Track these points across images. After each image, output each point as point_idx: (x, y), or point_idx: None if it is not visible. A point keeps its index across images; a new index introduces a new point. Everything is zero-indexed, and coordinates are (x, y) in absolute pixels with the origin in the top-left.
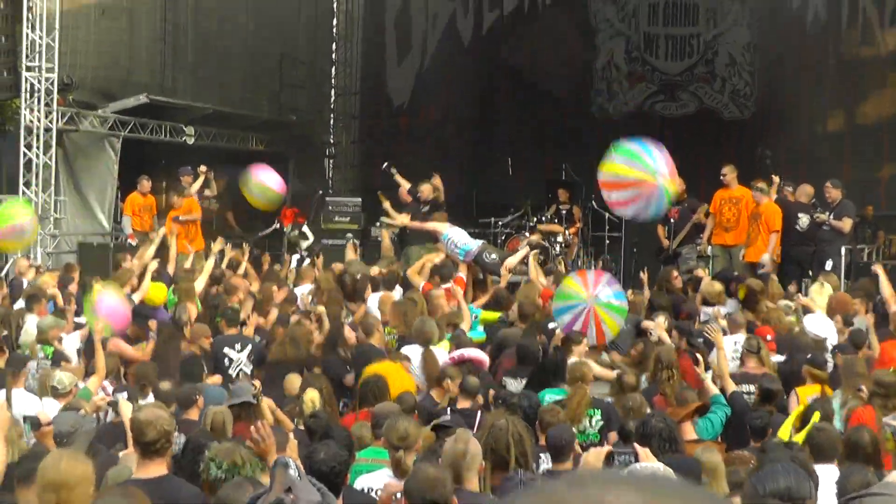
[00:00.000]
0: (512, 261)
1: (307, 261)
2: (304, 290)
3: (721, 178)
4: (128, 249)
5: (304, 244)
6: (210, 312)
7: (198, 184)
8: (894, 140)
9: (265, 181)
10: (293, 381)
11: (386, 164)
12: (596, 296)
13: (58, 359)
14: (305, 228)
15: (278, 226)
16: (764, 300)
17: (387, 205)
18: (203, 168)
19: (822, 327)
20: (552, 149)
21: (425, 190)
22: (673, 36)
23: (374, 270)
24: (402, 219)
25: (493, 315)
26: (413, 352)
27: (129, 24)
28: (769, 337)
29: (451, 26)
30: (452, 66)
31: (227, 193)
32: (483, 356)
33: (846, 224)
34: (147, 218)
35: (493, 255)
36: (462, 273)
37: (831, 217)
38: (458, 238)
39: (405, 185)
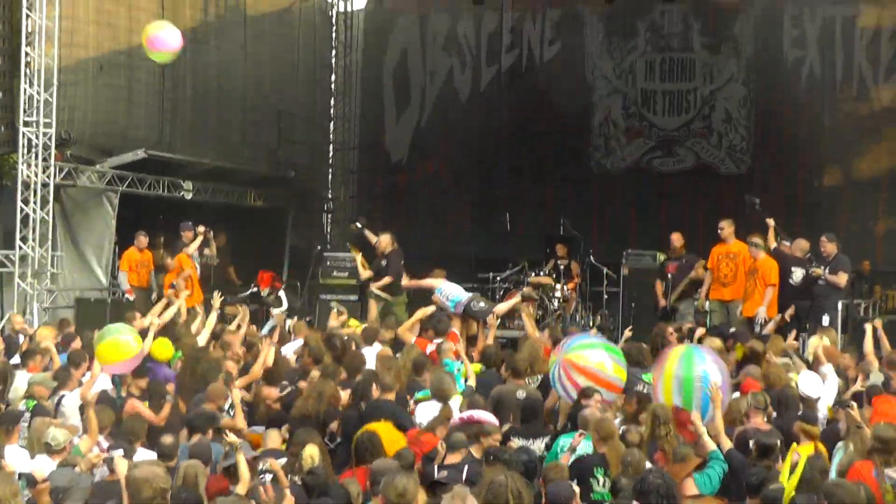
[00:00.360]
0: (501, 307)
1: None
2: (294, 347)
3: (718, 231)
4: (133, 307)
5: (277, 311)
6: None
7: (195, 244)
8: (890, 195)
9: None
10: (273, 436)
11: (357, 222)
12: (561, 350)
13: (37, 413)
14: (282, 293)
15: (255, 289)
16: (766, 361)
17: (358, 258)
18: (202, 228)
19: (814, 385)
20: (550, 204)
21: (383, 241)
22: (670, 91)
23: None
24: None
25: (476, 367)
26: (432, 409)
27: (127, 80)
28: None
29: (449, 82)
30: (450, 121)
31: (227, 248)
32: (493, 419)
33: (842, 279)
34: (144, 273)
35: (482, 304)
36: (455, 328)
37: (827, 271)
38: (449, 291)
39: (373, 239)
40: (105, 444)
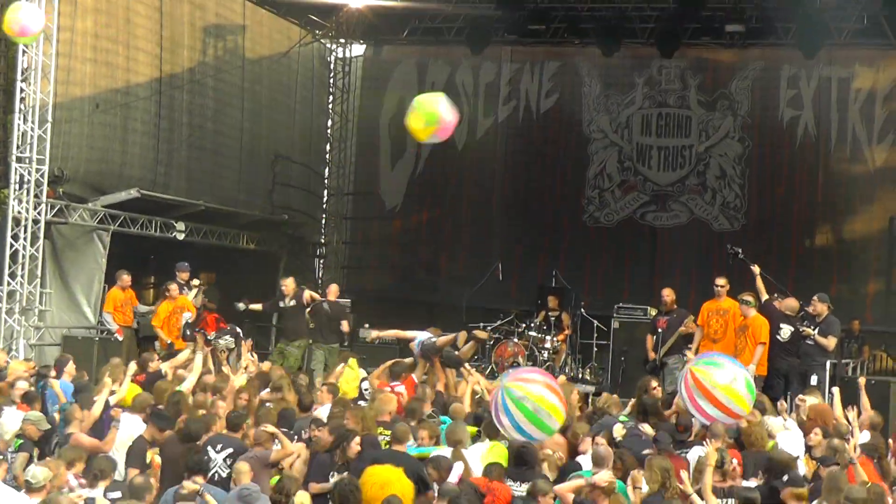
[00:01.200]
0: (442, 339)
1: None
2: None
3: (715, 288)
4: (121, 347)
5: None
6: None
7: (194, 293)
8: (881, 255)
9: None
10: (241, 469)
11: (241, 303)
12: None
13: (23, 450)
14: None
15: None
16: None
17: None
18: (196, 282)
19: (795, 445)
20: (543, 255)
21: (288, 285)
22: (665, 147)
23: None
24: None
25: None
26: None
27: (122, 119)
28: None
29: None
30: (446, 170)
31: (216, 290)
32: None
33: (831, 343)
34: (128, 312)
35: (433, 339)
36: (417, 374)
37: (816, 332)
38: (422, 336)
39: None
40: (75, 483)
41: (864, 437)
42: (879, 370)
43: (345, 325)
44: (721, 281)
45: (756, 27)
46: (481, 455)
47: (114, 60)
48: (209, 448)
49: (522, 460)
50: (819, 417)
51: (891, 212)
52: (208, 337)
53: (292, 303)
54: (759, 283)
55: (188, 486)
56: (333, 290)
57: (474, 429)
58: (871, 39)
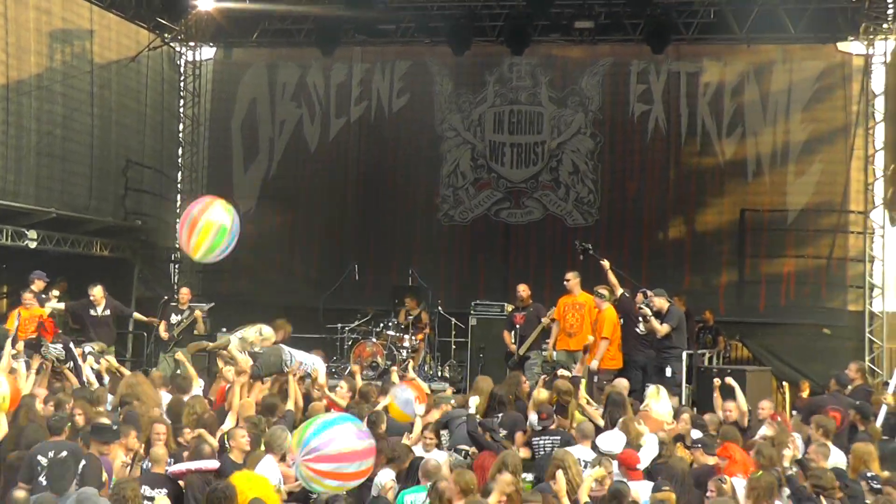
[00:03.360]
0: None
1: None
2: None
3: (564, 283)
4: None
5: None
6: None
7: (54, 301)
8: (732, 247)
9: None
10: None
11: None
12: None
13: None
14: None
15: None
16: (573, 402)
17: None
18: (55, 293)
19: (614, 443)
20: (399, 254)
21: (183, 294)
22: (518, 144)
23: None
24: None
25: None
26: None
27: None
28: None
29: (298, 132)
30: (299, 172)
31: (68, 298)
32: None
33: (663, 329)
34: None
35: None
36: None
37: (652, 319)
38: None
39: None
40: None
41: (762, 430)
42: (735, 359)
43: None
44: (569, 275)
45: (605, 23)
46: None
47: None
48: (38, 455)
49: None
50: (654, 427)
51: (741, 204)
52: (42, 347)
53: (107, 312)
54: (612, 276)
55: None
56: (185, 294)
57: None
58: (718, 34)
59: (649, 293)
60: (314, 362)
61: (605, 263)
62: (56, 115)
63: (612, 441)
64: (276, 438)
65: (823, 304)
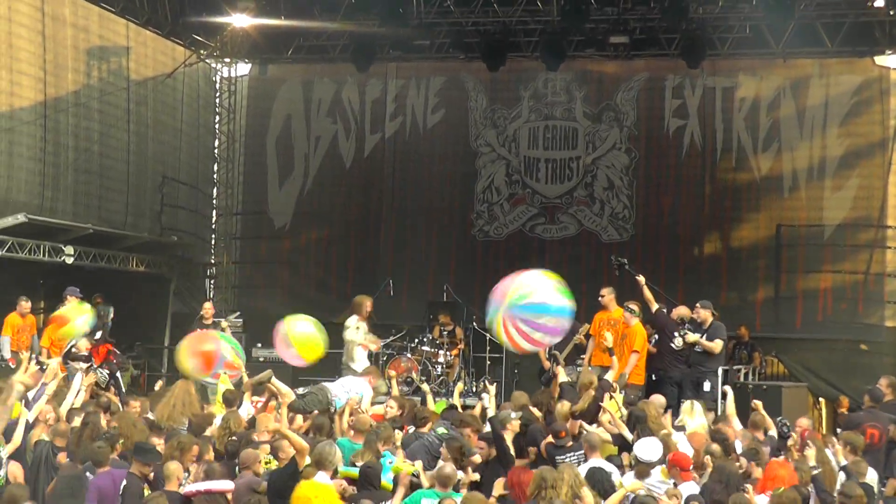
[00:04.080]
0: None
1: None
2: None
3: (599, 298)
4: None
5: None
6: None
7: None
8: (768, 263)
9: None
10: None
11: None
12: None
13: None
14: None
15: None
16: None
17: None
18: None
19: (652, 451)
20: (434, 270)
21: (206, 309)
22: (552, 159)
23: None
24: None
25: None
26: None
27: (7, 144)
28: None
29: (333, 148)
30: (334, 188)
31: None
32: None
33: (717, 346)
34: (25, 338)
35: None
36: None
37: (703, 338)
38: None
39: None
40: None
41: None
42: (771, 375)
43: None
44: (604, 291)
45: (640, 38)
46: None
47: None
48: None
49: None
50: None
51: (777, 219)
52: (92, 366)
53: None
54: (647, 292)
55: None
56: (208, 308)
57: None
58: (754, 49)
59: (697, 306)
60: (360, 390)
61: (641, 279)
62: (93, 131)
63: (651, 449)
64: (327, 455)
65: (861, 319)
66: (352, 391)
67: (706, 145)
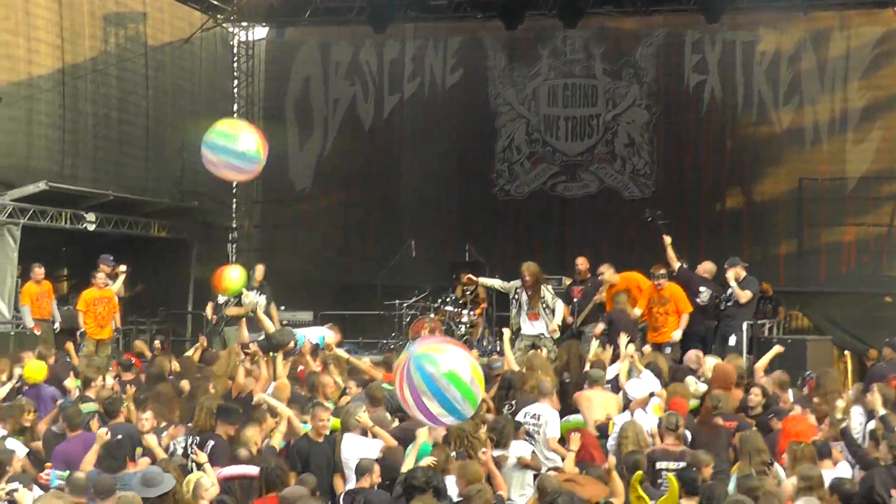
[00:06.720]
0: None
1: None
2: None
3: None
4: (38, 340)
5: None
6: None
7: (119, 283)
8: (790, 217)
9: None
10: None
11: None
12: None
13: None
14: None
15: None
16: None
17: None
18: (123, 268)
19: (643, 388)
20: (456, 230)
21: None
22: (572, 117)
23: None
24: None
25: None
26: None
27: (27, 111)
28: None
29: (352, 110)
30: (354, 150)
31: (128, 280)
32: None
33: (745, 295)
34: (45, 304)
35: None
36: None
37: (735, 286)
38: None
39: None
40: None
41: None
42: (796, 329)
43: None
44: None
45: None
46: None
47: (15, 53)
48: None
49: None
50: (721, 377)
51: (799, 173)
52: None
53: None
54: (671, 251)
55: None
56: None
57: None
58: (774, 2)
59: (725, 266)
60: (324, 335)
61: (667, 239)
62: (111, 97)
63: (639, 387)
64: (352, 416)
65: (884, 272)
66: (308, 335)
67: (727, 100)
